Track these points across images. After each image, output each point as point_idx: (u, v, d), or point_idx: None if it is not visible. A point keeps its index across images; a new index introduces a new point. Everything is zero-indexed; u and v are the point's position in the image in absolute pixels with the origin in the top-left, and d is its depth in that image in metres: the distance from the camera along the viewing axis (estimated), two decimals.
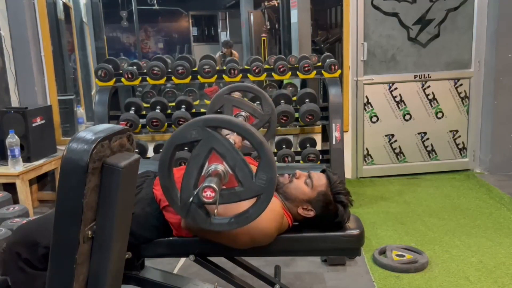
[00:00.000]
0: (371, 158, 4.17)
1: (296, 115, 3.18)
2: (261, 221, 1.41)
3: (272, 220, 1.52)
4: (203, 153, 1.26)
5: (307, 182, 1.64)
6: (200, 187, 1.21)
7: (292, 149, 3.34)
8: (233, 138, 1.67)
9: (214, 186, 1.20)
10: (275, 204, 1.57)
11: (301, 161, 3.27)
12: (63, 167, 1.13)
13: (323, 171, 1.71)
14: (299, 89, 3.80)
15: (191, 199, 1.28)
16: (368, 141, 4.13)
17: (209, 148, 1.25)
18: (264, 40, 7.01)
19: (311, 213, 1.62)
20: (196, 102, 3.79)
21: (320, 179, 1.64)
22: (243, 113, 2.08)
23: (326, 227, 1.64)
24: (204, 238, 1.57)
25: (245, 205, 1.31)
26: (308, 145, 3.37)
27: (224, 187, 1.27)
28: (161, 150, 1.32)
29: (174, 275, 2.03)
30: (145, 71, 3.15)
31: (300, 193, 1.62)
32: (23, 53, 3.71)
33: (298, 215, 1.64)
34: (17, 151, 3.24)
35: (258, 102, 2.52)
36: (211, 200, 1.21)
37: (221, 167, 1.26)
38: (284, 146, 3.31)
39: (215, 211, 1.28)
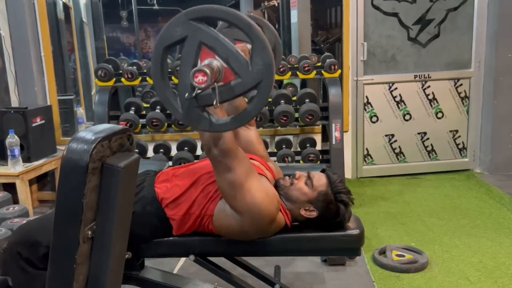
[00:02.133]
0: (371, 158, 4.16)
1: (296, 115, 3.18)
2: (258, 198, 1.46)
3: (269, 202, 1.52)
4: (193, 49, 1.18)
5: (307, 182, 1.64)
6: (191, 73, 1.14)
7: (292, 149, 3.34)
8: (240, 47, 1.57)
9: (204, 68, 1.13)
10: (272, 192, 1.57)
11: (301, 161, 3.27)
12: (63, 167, 1.13)
13: (322, 171, 1.71)
14: (299, 89, 3.81)
15: (186, 95, 1.21)
16: (368, 141, 4.13)
17: (197, 42, 1.17)
18: None
19: (314, 214, 1.62)
20: None
21: (320, 179, 1.64)
22: (248, 45, 1.86)
23: (327, 227, 1.64)
24: (218, 230, 1.58)
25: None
26: (308, 145, 3.37)
27: (222, 83, 1.20)
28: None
29: (174, 275, 2.03)
30: (145, 71, 3.15)
31: (300, 194, 1.62)
32: (23, 53, 3.71)
33: (301, 216, 1.63)
34: (17, 151, 3.24)
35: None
36: (203, 85, 1.14)
37: (214, 62, 1.19)
38: (284, 146, 3.31)
39: (214, 108, 1.21)
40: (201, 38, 1.17)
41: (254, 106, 1.21)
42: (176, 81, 3.17)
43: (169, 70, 3.15)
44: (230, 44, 1.17)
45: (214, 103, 1.19)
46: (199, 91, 1.19)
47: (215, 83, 1.18)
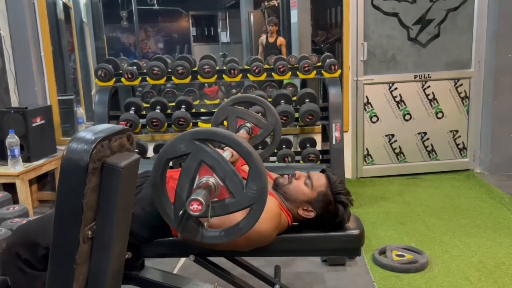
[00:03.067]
0: (371, 158, 4.17)
1: (296, 115, 3.18)
2: (259, 223, 1.41)
3: (269, 220, 1.51)
4: (193, 166, 1.27)
5: (306, 182, 1.64)
6: (187, 201, 1.21)
7: (292, 149, 3.34)
8: (231, 150, 1.65)
9: (200, 198, 1.19)
10: (271, 203, 1.56)
11: (301, 161, 3.27)
12: (63, 167, 1.13)
13: (322, 171, 1.71)
14: (299, 89, 3.81)
15: (180, 212, 1.29)
16: (368, 141, 4.13)
17: (199, 160, 1.26)
18: None
19: (312, 214, 1.62)
20: (196, 102, 3.79)
21: (319, 180, 1.64)
22: (248, 124, 2.08)
23: (326, 227, 1.64)
24: (203, 246, 1.58)
25: (240, 216, 1.31)
26: (308, 145, 3.37)
27: (216, 199, 1.27)
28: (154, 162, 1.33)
29: (174, 275, 2.03)
30: (145, 71, 3.15)
31: (300, 194, 1.62)
32: (23, 53, 3.70)
33: (299, 216, 1.63)
34: (17, 151, 3.24)
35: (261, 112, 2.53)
36: (198, 213, 1.21)
37: (212, 179, 1.26)
38: (284, 146, 3.31)
39: (206, 224, 1.29)
40: (202, 157, 1.26)
41: (245, 224, 1.29)
42: (175, 80, 3.17)
43: (169, 70, 3.16)
44: (229, 165, 1.26)
45: (208, 218, 1.27)
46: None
47: (210, 200, 1.25)
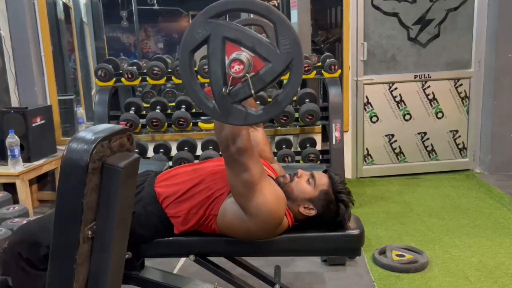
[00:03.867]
0: (371, 158, 4.17)
1: (296, 115, 3.18)
2: (269, 203, 1.47)
3: (279, 202, 1.54)
4: (218, 46, 1.20)
5: (309, 181, 1.64)
6: (227, 64, 1.15)
7: (292, 149, 3.34)
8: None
9: (239, 57, 1.14)
10: (280, 192, 1.58)
11: (301, 161, 3.27)
12: (63, 167, 1.13)
13: (325, 171, 1.71)
14: (299, 89, 3.80)
15: (223, 89, 1.21)
16: (368, 141, 4.13)
17: (221, 38, 1.19)
18: None
19: (313, 212, 1.62)
20: None
21: (322, 179, 1.65)
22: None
23: (327, 226, 1.64)
24: (221, 230, 1.58)
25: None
26: (308, 145, 3.37)
27: (252, 73, 1.20)
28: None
29: (174, 275, 2.03)
30: (145, 71, 3.14)
31: (301, 192, 1.63)
32: (23, 53, 3.70)
33: (300, 214, 1.64)
34: (17, 151, 3.24)
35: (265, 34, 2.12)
36: (241, 74, 1.15)
37: (242, 54, 1.19)
38: (284, 146, 3.31)
39: (253, 92, 1.21)
40: (224, 34, 1.18)
41: (287, 94, 1.21)
42: (175, 80, 3.17)
43: (169, 70, 3.16)
44: (253, 32, 1.18)
45: (252, 92, 1.20)
46: (231, 87, 1.20)
47: (247, 74, 1.19)
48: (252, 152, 1.47)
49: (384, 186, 3.93)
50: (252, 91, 1.20)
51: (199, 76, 3.18)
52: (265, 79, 1.20)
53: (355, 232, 1.64)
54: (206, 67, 3.15)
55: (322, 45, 6.47)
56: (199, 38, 1.20)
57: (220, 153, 1.53)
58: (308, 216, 1.63)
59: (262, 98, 3.20)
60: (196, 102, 1.28)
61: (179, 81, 3.17)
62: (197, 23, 1.20)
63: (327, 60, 3.20)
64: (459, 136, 4.20)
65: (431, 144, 4.18)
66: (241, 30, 1.18)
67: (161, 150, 3.27)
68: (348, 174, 4.06)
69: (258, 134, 1.86)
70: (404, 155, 4.19)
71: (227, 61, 1.19)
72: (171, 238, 1.63)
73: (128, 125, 3.08)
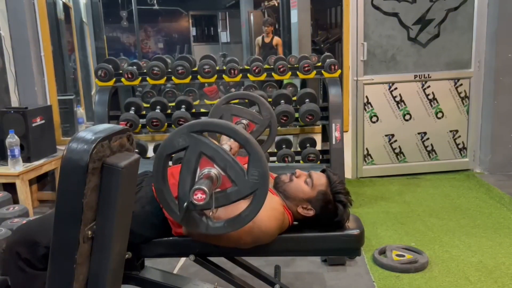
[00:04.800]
0: (371, 158, 4.17)
1: (296, 115, 3.18)
2: (263, 220, 1.43)
3: (273, 218, 1.52)
4: (193, 158, 1.28)
5: (307, 181, 1.65)
6: (191, 191, 1.22)
7: (292, 149, 3.34)
8: (229, 144, 1.69)
9: (203, 187, 1.20)
10: (275, 201, 1.57)
11: (301, 161, 3.27)
12: (63, 167, 1.13)
13: (323, 171, 1.71)
14: (299, 89, 3.81)
15: (185, 204, 1.29)
16: (368, 141, 4.13)
17: (198, 152, 1.27)
18: None
19: (311, 212, 1.62)
20: (196, 102, 3.79)
21: (320, 179, 1.65)
22: (243, 121, 2.07)
23: (325, 226, 1.64)
24: (207, 242, 1.57)
25: (244, 205, 1.31)
26: (308, 145, 3.37)
27: (219, 189, 1.28)
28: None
29: (174, 275, 2.03)
30: (145, 71, 3.15)
31: (300, 192, 1.63)
32: (23, 53, 3.71)
33: (298, 214, 1.64)
34: (17, 151, 3.24)
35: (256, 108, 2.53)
36: (202, 203, 1.21)
37: (213, 170, 1.27)
38: (284, 146, 3.31)
39: (211, 214, 1.29)
40: (201, 149, 1.27)
41: (250, 212, 1.29)
42: (175, 80, 3.17)
43: (169, 70, 3.16)
44: (229, 154, 1.27)
45: (212, 209, 1.27)
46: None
47: (212, 192, 1.25)
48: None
49: (384, 186, 3.93)
50: (213, 207, 1.27)
51: (199, 76, 3.18)
52: (230, 198, 1.28)
53: (355, 232, 1.64)
54: (206, 67, 3.15)
55: (322, 45, 6.47)
56: (177, 146, 1.29)
57: None
58: (306, 216, 1.63)
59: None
60: (162, 204, 1.36)
61: (179, 81, 3.18)
62: (179, 133, 1.28)
63: (327, 60, 3.20)
64: (459, 136, 4.20)
65: (431, 144, 4.18)
66: (218, 150, 1.26)
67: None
68: (348, 174, 4.06)
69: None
70: (404, 155, 4.19)
71: (198, 173, 1.28)
72: (170, 238, 1.63)
73: (128, 125, 3.08)
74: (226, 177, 1.27)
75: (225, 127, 1.26)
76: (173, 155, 1.56)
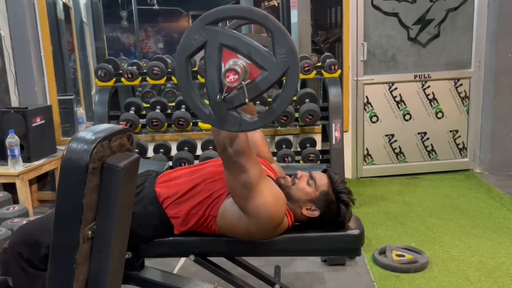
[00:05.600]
0: (371, 158, 4.17)
1: (296, 115, 3.18)
2: (269, 204, 1.47)
3: (280, 204, 1.54)
4: (214, 53, 1.20)
5: (309, 182, 1.64)
6: (222, 74, 1.15)
7: (292, 149, 3.34)
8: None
9: (234, 67, 1.13)
10: (281, 194, 1.58)
11: (301, 161, 3.26)
12: (63, 167, 1.13)
13: (324, 171, 1.71)
14: (299, 89, 3.80)
15: (217, 97, 1.21)
16: (368, 141, 4.13)
17: (218, 45, 1.19)
18: None
19: (316, 213, 1.62)
20: None
21: (322, 179, 1.65)
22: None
23: (327, 226, 1.65)
24: (221, 230, 1.58)
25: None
26: (308, 145, 3.37)
27: (248, 80, 1.20)
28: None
29: (174, 275, 2.03)
30: (145, 71, 3.14)
31: (303, 194, 1.63)
32: (23, 53, 3.70)
33: (302, 215, 1.64)
34: (17, 151, 3.24)
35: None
36: (236, 84, 1.15)
37: (238, 61, 1.19)
38: (284, 146, 3.31)
39: (247, 100, 1.20)
40: (220, 40, 1.18)
41: (285, 96, 1.20)
42: (175, 80, 3.16)
43: (169, 70, 3.15)
44: (250, 40, 1.18)
45: (246, 100, 1.20)
46: (226, 94, 1.20)
47: (242, 82, 1.18)
48: (250, 153, 1.47)
49: (384, 186, 3.93)
50: (247, 99, 1.20)
51: (199, 76, 3.18)
52: (260, 87, 1.20)
53: (355, 232, 1.64)
54: None
55: (322, 45, 6.46)
56: (196, 44, 1.20)
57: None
58: (310, 217, 1.63)
59: (262, 98, 3.20)
60: (192, 108, 1.28)
61: None
62: (194, 29, 1.20)
63: (327, 60, 3.19)
64: (459, 136, 4.20)
65: (431, 144, 4.18)
66: (238, 37, 1.18)
67: (161, 150, 3.27)
68: (348, 174, 4.06)
69: (256, 135, 1.86)
70: (404, 155, 4.19)
71: (223, 68, 1.19)
72: (171, 238, 1.63)
73: (128, 125, 3.08)
74: (253, 66, 1.19)
75: (240, 9, 1.18)
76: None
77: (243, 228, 1.53)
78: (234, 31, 1.19)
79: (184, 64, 1.23)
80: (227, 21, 1.82)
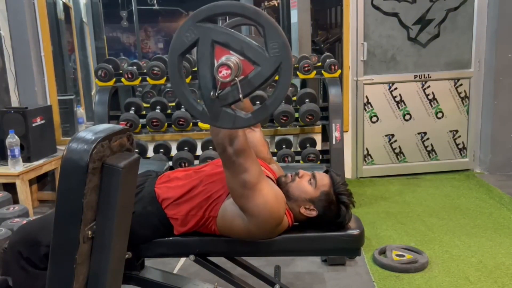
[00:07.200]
0: (371, 158, 4.17)
1: (296, 115, 3.18)
2: (269, 202, 1.47)
3: (280, 201, 1.54)
4: (207, 50, 1.19)
5: (311, 181, 1.64)
6: (214, 69, 1.15)
7: (292, 149, 3.34)
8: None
9: (227, 62, 1.13)
10: (280, 192, 1.58)
11: (301, 161, 3.27)
12: (63, 167, 1.13)
13: (326, 172, 1.71)
14: (299, 89, 3.80)
15: (211, 93, 1.21)
16: (368, 141, 4.13)
17: (210, 42, 1.19)
18: None
19: (314, 213, 1.62)
20: None
21: (323, 179, 1.64)
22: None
23: (327, 227, 1.64)
24: (221, 231, 1.58)
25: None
26: (308, 145, 3.37)
27: (242, 76, 1.20)
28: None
29: (174, 275, 2.03)
30: (145, 71, 3.14)
31: (302, 192, 1.62)
32: (23, 53, 3.70)
33: (300, 214, 1.64)
34: (17, 151, 3.24)
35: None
36: (229, 79, 1.15)
37: (231, 57, 1.18)
38: (284, 146, 3.31)
39: (241, 96, 1.20)
40: (212, 37, 1.18)
41: (278, 92, 1.20)
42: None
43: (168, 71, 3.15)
44: (242, 36, 1.18)
45: (240, 96, 1.20)
46: (220, 91, 1.20)
47: (236, 78, 1.18)
48: (249, 153, 1.47)
49: (384, 186, 3.93)
50: (241, 95, 1.20)
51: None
52: (254, 83, 1.20)
53: (355, 232, 1.64)
54: None
55: (322, 45, 6.46)
56: (187, 42, 1.20)
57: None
58: (308, 217, 1.63)
59: (262, 98, 3.20)
60: (185, 106, 1.28)
61: None
62: (185, 26, 1.19)
63: (327, 60, 3.19)
64: (459, 136, 4.20)
65: (431, 144, 4.18)
66: (230, 33, 1.18)
67: (161, 150, 3.27)
68: (348, 174, 4.06)
69: (256, 135, 1.86)
70: (404, 155, 4.19)
71: (216, 65, 1.19)
72: (171, 238, 1.63)
73: (128, 125, 3.08)
74: (245, 62, 1.19)
75: (231, 5, 1.17)
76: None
77: (243, 228, 1.53)
78: (226, 28, 1.19)
79: (177, 63, 1.23)
80: (225, 22, 1.83)
